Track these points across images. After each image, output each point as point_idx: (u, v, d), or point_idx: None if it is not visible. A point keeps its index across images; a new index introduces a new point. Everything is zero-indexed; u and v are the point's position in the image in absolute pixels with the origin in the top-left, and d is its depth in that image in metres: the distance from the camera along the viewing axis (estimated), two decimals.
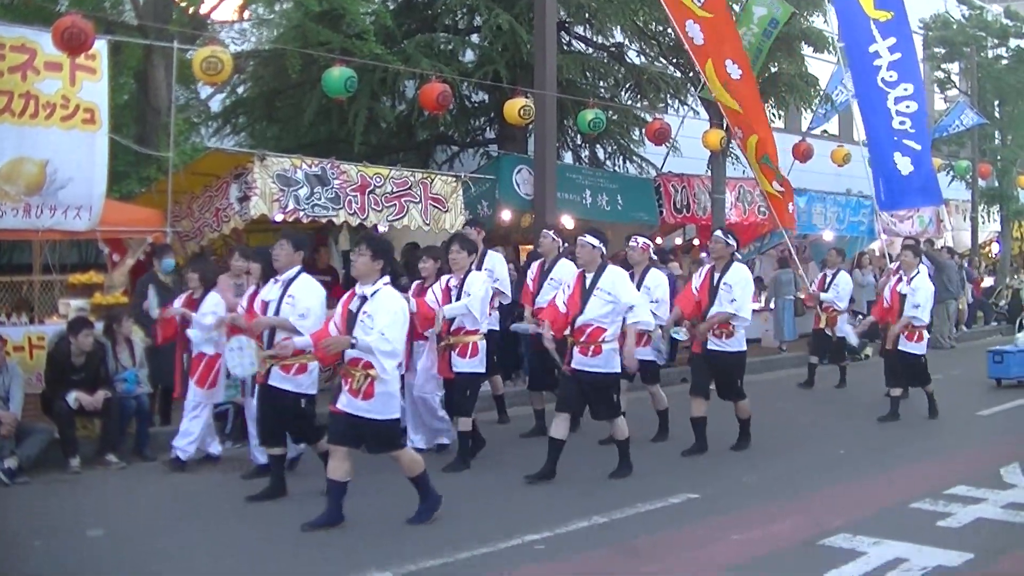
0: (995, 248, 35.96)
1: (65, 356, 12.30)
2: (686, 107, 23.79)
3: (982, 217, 34.15)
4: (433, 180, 17.01)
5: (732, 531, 9.24)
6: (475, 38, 22.05)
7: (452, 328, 12.25)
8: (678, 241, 25.18)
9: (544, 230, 14.56)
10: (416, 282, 13.17)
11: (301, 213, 15.28)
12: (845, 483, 11.31)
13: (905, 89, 18.88)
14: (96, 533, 9.39)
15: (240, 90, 22.40)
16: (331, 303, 10.78)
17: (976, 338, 27.92)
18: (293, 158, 15.52)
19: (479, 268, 13.12)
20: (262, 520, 9.77)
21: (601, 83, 23.69)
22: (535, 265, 14.40)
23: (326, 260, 17.91)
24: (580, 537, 9.14)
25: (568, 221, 20.36)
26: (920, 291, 15.12)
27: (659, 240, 18.86)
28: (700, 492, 10.78)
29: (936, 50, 35.09)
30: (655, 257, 15.12)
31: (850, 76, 21.69)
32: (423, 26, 21.89)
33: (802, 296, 21.47)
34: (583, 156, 24.27)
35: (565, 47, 22.68)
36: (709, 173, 22.64)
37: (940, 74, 36.44)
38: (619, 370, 11.46)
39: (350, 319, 9.28)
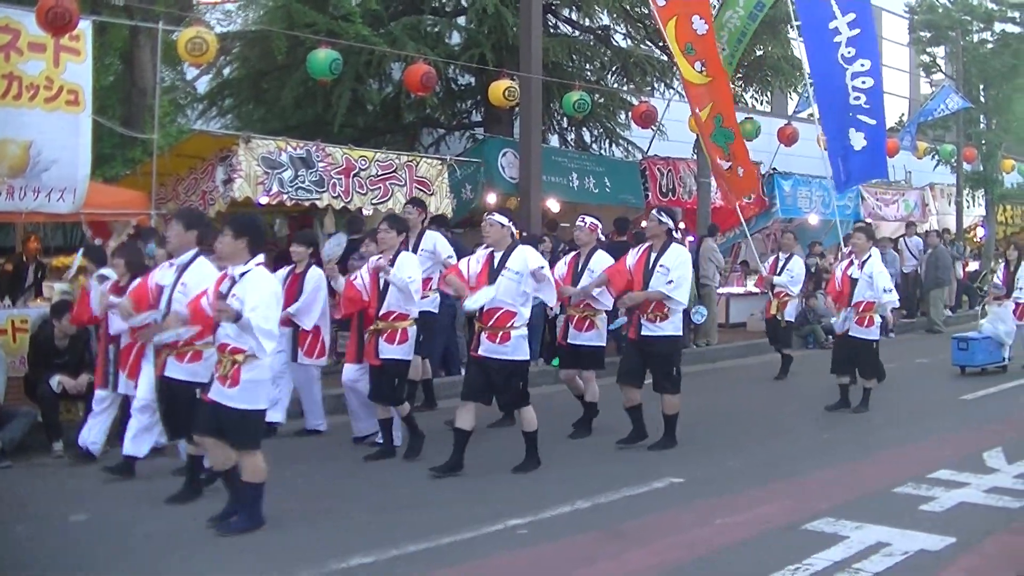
0: (980, 232, 36.00)
1: (48, 339, 12.26)
2: (672, 90, 23.80)
3: (967, 201, 34.21)
4: (419, 163, 16.98)
5: (716, 515, 9.26)
6: (461, 20, 22.04)
7: (381, 312, 11.56)
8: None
9: (580, 219, 13.58)
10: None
11: (285, 196, 15.26)
12: (828, 468, 11.34)
13: (863, 64, 18.39)
14: (79, 518, 9.36)
15: (226, 72, 22.34)
16: None
17: (962, 322, 27.92)
18: (278, 140, 15.49)
19: (415, 250, 12.80)
20: None
21: (587, 66, 23.73)
22: (569, 257, 13.62)
23: None
24: (564, 522, 9.14)
25: (554, 204, 20.40)
26: (882, 275, 14.56)
27: (644, 223, 18.72)
28: (684, 476, 10.78)
29: (922, 34, 35.15)
30: (603, 238, 14.52)
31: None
32: (409, 8, 21.91)
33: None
34: (569, 139, 24.30)
35: (551, 30, 22.69)
36: (695, 157, 22.66)
37: (926, 58, 36.50)
38: (527, 357, 11.08)
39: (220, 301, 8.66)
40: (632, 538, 8.62)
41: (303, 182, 15.43)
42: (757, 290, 24.15)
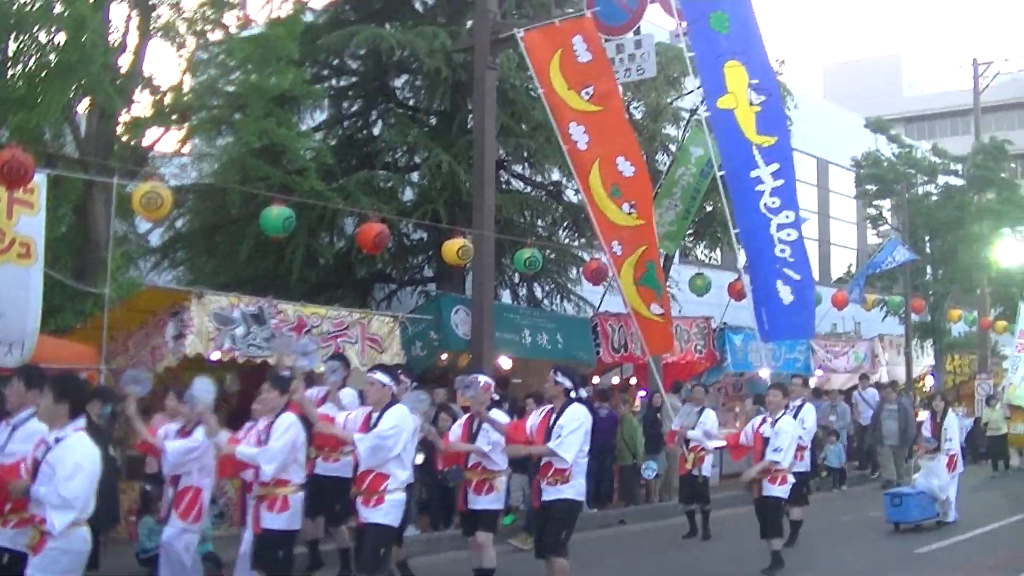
0: (930, 381, 36.25)
1: None
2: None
3: (916, 351, 34.50)
4: (371, 320, 17.03)
5: None
6: (415, 176, 22.24)
7: (260, 479, 10.54)
8: (615, 380, 25.21)
9: (472, 379, 12.89)
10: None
11: (237, 352, 15.23)
12: None
13: (787, 216, 18.03)
14: None
15: (179, 224, 22.39)
16: None
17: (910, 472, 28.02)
18: (231, 296, 15.50)
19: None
20: None
21: (539, 221, 23.95)
22: (464, 419, 13.19)
23: None
24: None
25: (506, 361, 20.39)
26: (783, 434, 14.19)
27: (596, 379, 18.82)
28: None
29: (868, 187, 35.76)
30: (496, 397, 13.52)
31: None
32: (363, 163, 22.14)
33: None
34: (521, 295, 24.41)
35: (504, 185, 22.92)
36: None
37: (872, 211, 37.09)
38: (397, 524, 10.79)
39: (35, 467, 8.26)
40: None
41: (255, 339, 15.41)
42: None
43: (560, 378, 11.68)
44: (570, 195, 24.05)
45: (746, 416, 18.15)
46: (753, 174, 17.74)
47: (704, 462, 17.86)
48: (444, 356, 19.57)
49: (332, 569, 13.20)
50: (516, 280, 23.99)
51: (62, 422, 8.36)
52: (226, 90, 19.14)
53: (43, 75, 16.19)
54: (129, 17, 18.03)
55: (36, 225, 13.82)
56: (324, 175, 19.78)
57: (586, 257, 22.17)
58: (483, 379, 13.05)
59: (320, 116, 23.44)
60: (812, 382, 28.57)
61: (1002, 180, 36.31)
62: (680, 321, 23.91)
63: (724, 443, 16.50)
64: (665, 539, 18.18)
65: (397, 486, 10.60)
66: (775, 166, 17.73)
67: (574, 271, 24.02)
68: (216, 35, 18.97)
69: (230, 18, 19.18)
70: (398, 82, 23.55)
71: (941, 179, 36.45)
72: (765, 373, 26.19)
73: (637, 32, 18.97)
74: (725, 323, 25.38)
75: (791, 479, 14.50)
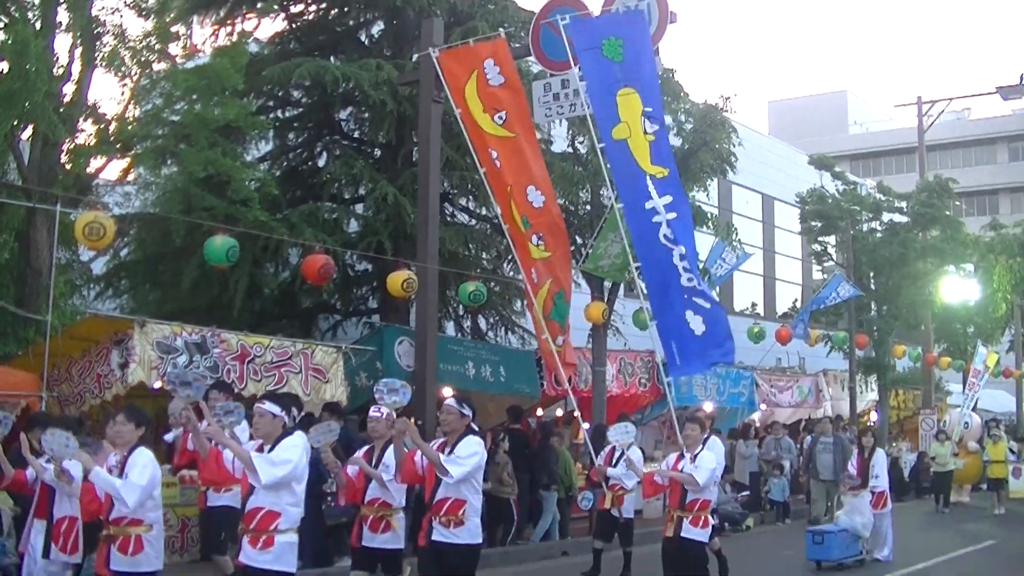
0: (874, 416, 36.49)
1: None
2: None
3: (860, 387, 34.70)
4: (314, 350, 17.02)
5: None
6: (360, 208, 22.27)
7: (111, 517, 9.72)
8: (559, 413, 25.27)
9: (375, 409, 11.88)
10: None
11: None
12: None
13: (682, 251, 17.06)
14: None
15: (123, 253, 22.30)
16: None
17: None
18: (173, 325, 15.48)
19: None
20: None
21: (483, 254, 24.00)
22: (363, 452, 11.97)
23: None
24: None
25: (449, 393, 20.38)
26: (701, 470, 12.90)
27: (540, 412, 18.85)
28: None
29: (812, 223, 35.98)
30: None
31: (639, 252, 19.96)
32: (308, 194, 22.16)
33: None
34: (465, 327, 24.45)
35: (448, 218, 22.99)
36: (590, 345, 22.87)
37: (817, 247, 37.32)
38: (292, 569, 9.38)
39: None
40: None
41: (197, 367, 15.35)
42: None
43: (466, 410, 10.90)
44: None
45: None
46: (648, 205, 16.80)
47: (623, 502, 16.97)
48: None
49: None
50: (461, 312, 24.03)
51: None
52: (171, 120, 19.14)
53: None
54: (74, 45, 17.99)
55: None
56: (269, 206, 19.76)
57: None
58: (385, 411, 11.69)
59: (265, 147, 23.47)
60: (755, 416, 28.84)
61: (946, 218, 36.60)
62: (624, 355, 24.05)
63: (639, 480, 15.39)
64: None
65: (288, 525, 9.33)
66: (668, 198, 17.00)
67: (518, 303, 24.06)
68: (161, 65, 18.96)
69: (175, 48, 19.24)
70: (343, 114, 23.61)
71: (886, 216, 36.72)
72: (709, 407, 26.34)
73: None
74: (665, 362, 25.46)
75: (712, 521, 13.53)
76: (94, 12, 17.97)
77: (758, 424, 28.75)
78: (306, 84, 22.22)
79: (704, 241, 26.86)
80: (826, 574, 16.88)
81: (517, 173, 17.60)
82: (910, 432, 36.34)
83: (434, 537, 10.48)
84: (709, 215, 25.51)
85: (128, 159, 19.28)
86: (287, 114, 24.01)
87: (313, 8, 24.05)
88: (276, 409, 9.49)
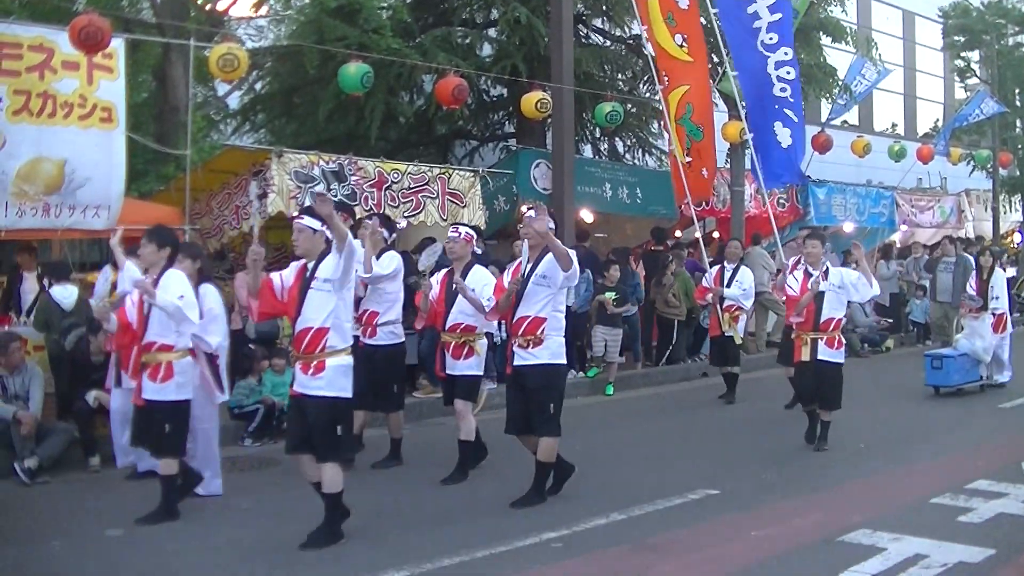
0: (1017, 238, 35.74)
1: (84, 355, 12.33)
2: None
3: (1003, 207, 33.96)
4: (451, 175, 16.96)
5: (751, 527, 9.22)
6: (492, 32, 22.03)
7: (143, 342, 9.74)
8: (697, 235, 25.10)
9: (453, 229, 11.66)
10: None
11: None
12: (865, 479, 11.27)
13: (785, 53, 17.06)
14: (115, 533, 9.40)
15: (258, 87, 22.40)
16: None
17: None
18: (310, 154, 15.51)
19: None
20: (282, 519, 9.77)
21: (619, 76, 23.69)
22: (441, 274, 11.91)
23: None
24: (598, 534, 9.12)
25: (588, 215, 20.36)
26: (862, 282, 12.54)
27: (678, 233, 18.70)
28: (719, 488, 10.74)
29: (955, 39, 34.92)
30: (478, 251, 12.38)
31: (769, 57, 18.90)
32: (440, 20, 21.94)
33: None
34: (602, 149, 24.25)
35: (583, 40, 22.67)
36: (728, 165, 22.57)
37: (960, 63, 36.25)
38: (348, 394, 8.92)
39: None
40: (665, 551, 8.58)
41: (335, 196, 15.43)
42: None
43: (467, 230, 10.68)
44: (650, 49, 23.77)
45: (727, 259, 17.19)
46: (750, 9, 16.62)
47: (739, 322, 16.92)
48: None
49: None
50: (597, 135, 23.80)
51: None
52: None
53: None
54: None
55: (116, 90, 13.88)
56: (401, 33, 19.67)
57: None
58: (463, 230, 11.56)
59: None
60: (896, 237, 28.36)
61: None
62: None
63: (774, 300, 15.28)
64: (764, 390, 17.67)
65: (341, 343, 8.92)
66: None
67: (655, 125, 23.75)
68: None
69: None
70: None
71: None
72: (849, 227, 26.00)
73: None
74: (809, 176, 25.05)
75: (845, 342, 13.15)
76: None
77: (899, 245, 28.23)
78: None
79: (843, 58, 26.29)
80: (944, 399, 16.42)
81: None
82: None
83: (515, 362, 10.13)
84: (848, 30, 24.81)
85: None
86: None
87: None
88: (316, 224, 8.89)
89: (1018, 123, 35.55)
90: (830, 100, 25.90)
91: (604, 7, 22.25)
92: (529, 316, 9.99)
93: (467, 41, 21.47)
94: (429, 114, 21.12)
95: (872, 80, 25.96)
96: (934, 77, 42.99)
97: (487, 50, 21.88)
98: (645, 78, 23.56)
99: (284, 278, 9.12)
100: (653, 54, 17.86)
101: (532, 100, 18.04)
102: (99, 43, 12.63)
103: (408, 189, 16.28)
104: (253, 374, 13.98)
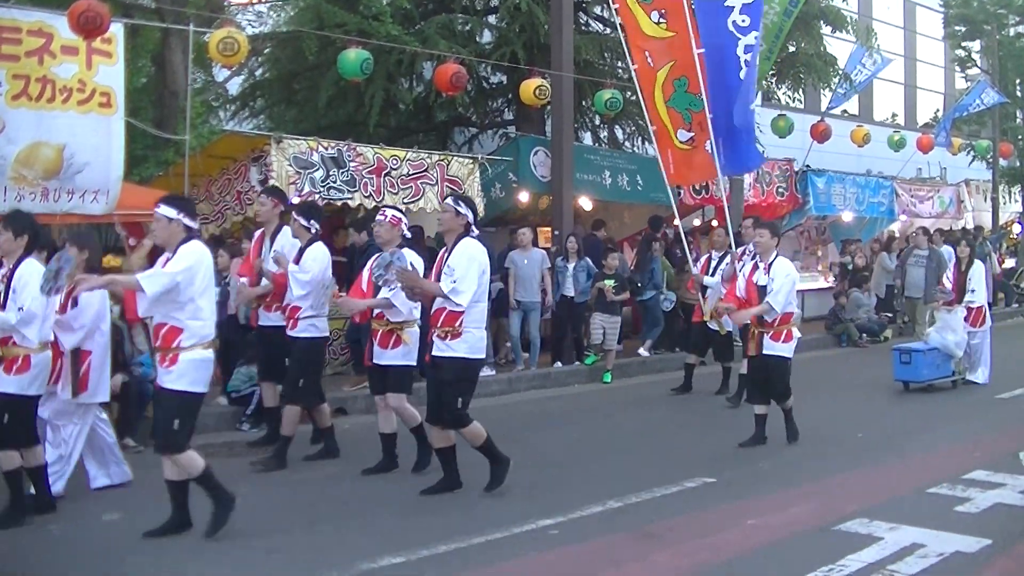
0: (1017, 228, 35.74)
1: None
2: None
3: (1003, 197, 33.97)
4: (450, 162, 16.97)
5: (748, 516, 9.22)
6: (492, 19, 22.02)
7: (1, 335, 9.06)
8: (696, 223, 25.08)
9: (381, 213, 11.11)
10: None
11: (317, 196, 15.25)
12: (862, 468, 11.26)
13: (755, 37, 16.33)
14: (112, 517, 9.40)
15: (257, 73, 22.41)
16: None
17: (997, 320, 27.73)
18: (309, 140, 15.52)
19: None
20: (276, 505, 9.78)
21: (619, 63, 23.61)
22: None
23: (343, 242, 17.85)
24: (595, 522, 9.12)
25: (586, 202, 20.35)
26: (777, 294, 12.02)
27: (676, 222, 18.63)
28: (716, 477, 10.75)
29: (956, 28, 34.94)
30: (407, 235, 11.37)
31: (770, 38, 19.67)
32: (440, 7, 21.94)
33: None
34: (602, 137, 24.26)
35: (583, 27, 22.69)
36: None
37: (961, 53, 36.26)
38: (197, 389, 8.60)
39: None
40: (662, 539, 8.58)
41: (334, 182, 15.45)
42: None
43: (462, 208, 10.02)
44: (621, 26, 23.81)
45: (713, 247, 16.83)
46: None
47: (723, 314, 15.19)
48: (524, 198, 19.49)
49: None
50: (597, 122, 23.81)
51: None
52: None
53: None
54: None
55: (115, 75, 13.87)
56: (401, 20, 19.68)
57: None
58: (390, 213, 11.02)
59: None
60: (895, 227, 28.37)
61: None
62: (762, 164, 23.65)
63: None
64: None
65: (190, 342, 8.50)
66: None
67: None
68: None
69: None
70: None
71: None
72: (848, 216, 26.02)
73: None
74: (808, 165, 25.05)
75: (796, 335, 12.55)
76: None
77: (897, 235, 28.21)
78: None
79: (844, 47, 26.27)
80: (916, 396, 16.18)
81: None
82: None
83: (434, 352, 9.88)
84: (848, 19, 24.80)
85: None
86: None
87: None
88: (172, 212, 8.49)
89: (1018, 113, 35.59)
90: (829, 89, 25.88)
91: None
92: (447, 307, 9.76)
93: (467, 28, 21.49)
94: (429, 101, 21.13)
95: (872, 69, 25.94)
96: (935, 67, 43.01)
97: (487, 37, 21.89)
98: None
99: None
100: (623, 30, 17.49)
101: (531, 87, 18.03)
102: (98, 28, 12.62)
103: (407, 176, 16.29)
104: (251, 362, 13.97)
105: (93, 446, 10.48)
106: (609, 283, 16.97)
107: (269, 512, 9.54)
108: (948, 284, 17.04)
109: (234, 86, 22.77)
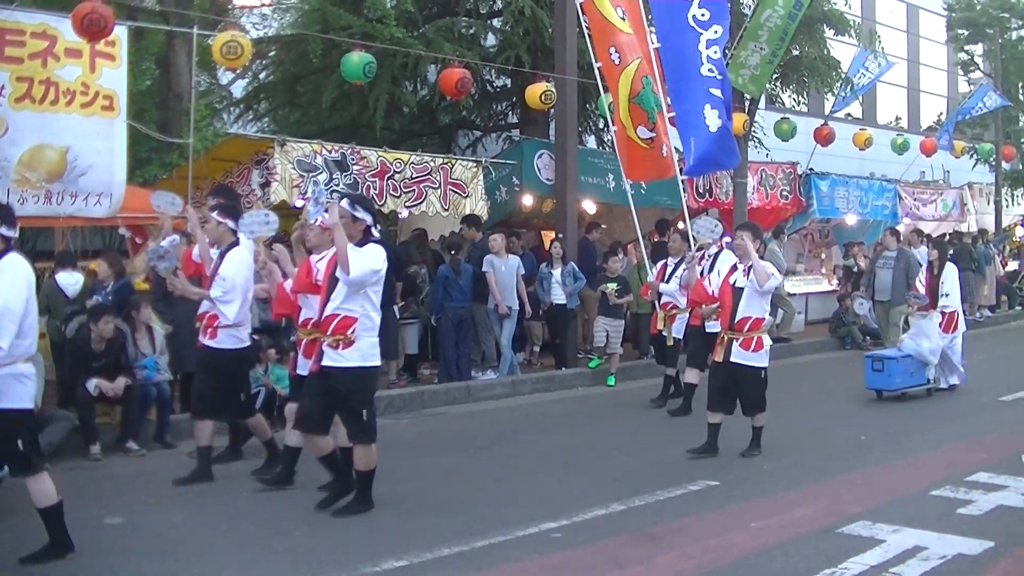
0: (1019, 231, 35.74)
1: (85, 343, 12.32)
2: None
3: (1006, 200, 33.99)
4: (453, 165, 16.98)
5: (751, 518, 9.21)
6: (496, 22, 22.04)
7: None
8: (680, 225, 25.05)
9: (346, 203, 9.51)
10: None
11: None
12: (865, 470, 11.24)
13: (716, 31, 16.06)
14: (115, 521, 9.40)
15: (262, 76, 22.45)
16: None
17: (1001, 322, 27.80)
18: (313, 143, 15.54)
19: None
20: (280, 508, 9.78)
21: None
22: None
23: None
24: (599, 524, 9.12)
25: (590, 206, 20.34)
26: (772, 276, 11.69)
27: (680, 224, 18.59)
28: (719, 479, 10.73)
29: (959, 32, 34.95)
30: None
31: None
32: (444, 10, 21.95)
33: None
34: (606, 140, 24.23)
35: (587, 30, 22.62)
36: None
37: (963, 56, 36.28)
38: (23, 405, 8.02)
39: None
40: (665, 541, 8.58)
41: (338, 185, 15.45)
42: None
43: (361, 212, 9.38)
44: (654, 40, 23.77)
45: (671, 253, 16.08)
46: None
47: (675, 321, 15.46)
48: (528, 201, 19.47)
49: None
50: (601, 125, 23.79)
51: None
52: None
53: None
54: None
55: (118, 78, 13.92)
56: (405, 23, 19.71)
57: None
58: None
59: None
60: (900, 229, 28.38)
61: None
62: (765, 166, 23.68)
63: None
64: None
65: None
66: None
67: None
68: None
69: None
70: None
71: None
72: (852, 220, 26.01)
73: None
74: (811, 168, 25.04)
75: (767, 343, 11.96)
76: None
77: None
78: None
79: (847, 50, 26.26)
80: (917, 398, 15.96)
81: None
82: None
83: (323, 362, 9.28)
84: (852, 23, 24.79)
85: None
86: None
87: None
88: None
89: (1021, 117, 35.62)
90: (833, 93, 25.88)
91: None
92: (339, 315, 9.22)
93: (471, 31, 21.48)
94: (433, 104, 21.17)
95: (875, 73, 25.93)
96: (938, 70, 42.98)
97: (491, 40, 21.88)
98: None
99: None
100: (588, 29, 17.48)
101: (536, 91, 18.01)
102: (102, 31, 12.62)
103: (410, 179, 16.31)
104: (260, 363, 13.93)
105: None
106: (612, 286, 16.94)
107: (270, 515, 9.54)
108: (921, 288, 16.68)
109: (238, 89, 22.84)
